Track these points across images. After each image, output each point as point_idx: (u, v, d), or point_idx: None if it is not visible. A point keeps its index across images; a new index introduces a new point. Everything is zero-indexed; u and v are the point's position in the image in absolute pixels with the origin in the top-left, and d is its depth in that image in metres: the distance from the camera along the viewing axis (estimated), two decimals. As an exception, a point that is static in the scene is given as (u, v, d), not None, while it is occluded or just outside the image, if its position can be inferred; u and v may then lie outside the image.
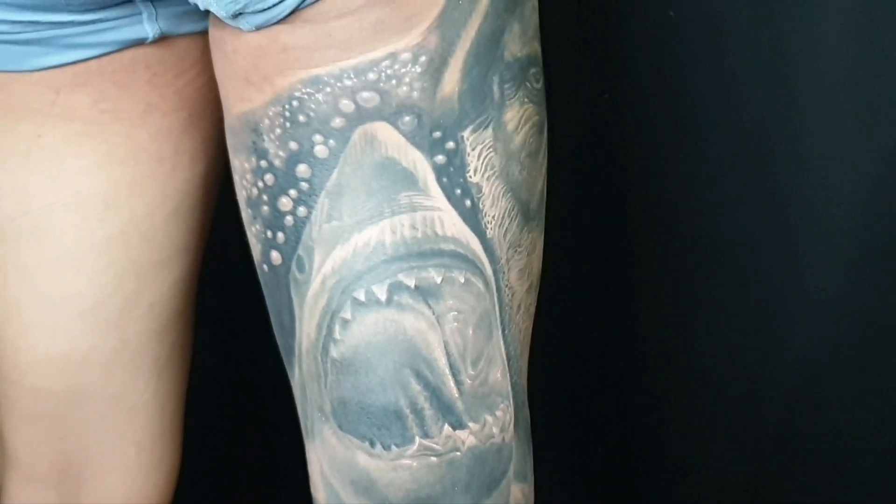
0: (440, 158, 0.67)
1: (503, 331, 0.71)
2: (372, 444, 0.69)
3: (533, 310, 0.75)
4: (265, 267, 0.71)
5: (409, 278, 0.67)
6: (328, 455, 0.71)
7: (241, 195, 0.71)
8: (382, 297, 0.67)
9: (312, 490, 0.75)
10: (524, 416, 0.74)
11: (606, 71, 1.11)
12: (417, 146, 0.66)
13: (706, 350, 1.18)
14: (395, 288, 0.67)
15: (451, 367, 0.69)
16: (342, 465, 0.71)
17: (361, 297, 0.67)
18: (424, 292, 0.68)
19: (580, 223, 1.16)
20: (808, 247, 1.12)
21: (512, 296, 0.71)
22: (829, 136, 1.08)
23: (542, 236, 0.75)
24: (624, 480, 1.26)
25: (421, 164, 0.67)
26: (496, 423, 0.71)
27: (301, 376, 0.72)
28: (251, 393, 1.23)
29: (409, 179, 0.67)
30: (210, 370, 1.10)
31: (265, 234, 0.70)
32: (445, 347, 0.68)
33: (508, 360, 0.72)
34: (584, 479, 1.28)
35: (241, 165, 0.70)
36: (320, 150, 0.66)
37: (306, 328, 0.70)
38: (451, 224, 0.68)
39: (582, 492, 1.28)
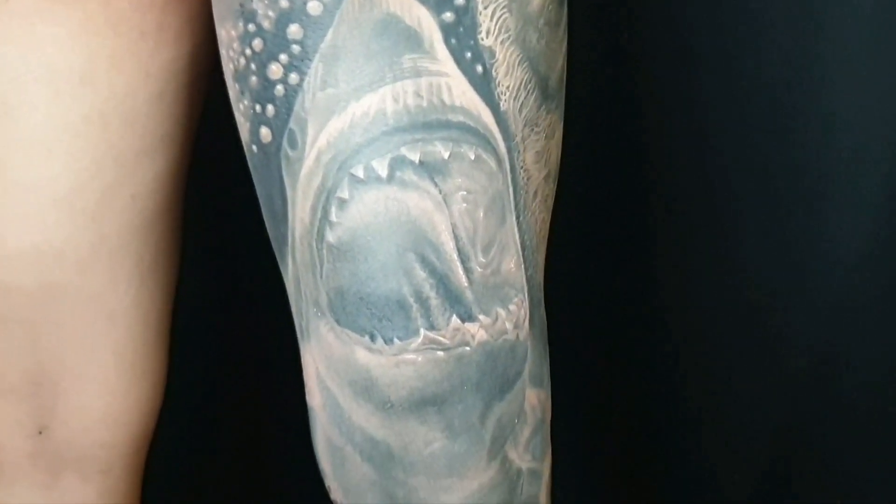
0: (448, 16, 0.60)
1: (517, 217, 0.64)
2: (372, 339, 0.63)
3: (551, 203, 0.69)
4: (254, 147, 0.64)
5: (412, 152, 0.60)
6: (324, 355, 0.65)
7: (228, 70, 0.64)
8: (383, 173, 0.61)
9: (308, 397, 0.68)
10: (540, 316, 0.68)
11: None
12: (422, 1, 0.59)
13: (725, 315, 1.13)
14: (398, 163, 0.61)
15: (460, 252, 0.62)
16: (340, 365, 0.64)
17: (360, 173, 0.61)
18: (430, 168, 0.61)
19: (596, 181, 1.12)
20: (833, 209, 1.07)
21: (528, 179, 0.65)
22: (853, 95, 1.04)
23: (562, 124, 0.69)
24: (639, 444, 1.22)
25: (427, 22, 0.60)
26: (509, 317, 0.64)
27: (295, 268, 0.65)
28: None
29: (413, 40, 0.60)
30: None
31: (254, 108, 0.63)
32: (453, 231, 0.62)
33: (523, 250, 0.65)
34: (599, 440, 1.23)
35: (227, 35, 0.63)
36: (313, 7, 0.60)
37: (299, 212, 0.63)
38: (461, 92, 0.61)
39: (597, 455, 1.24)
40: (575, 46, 0.71)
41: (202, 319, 1.06)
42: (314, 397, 0.67)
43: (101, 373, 0.78)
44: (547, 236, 0.69)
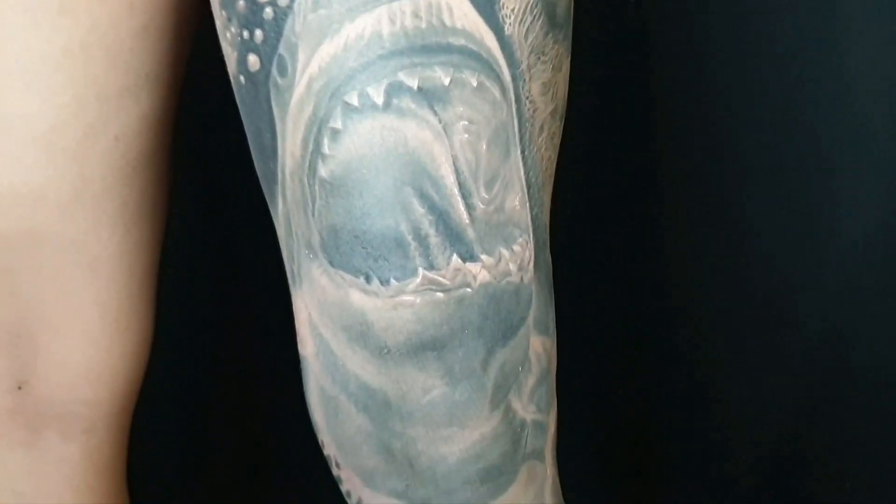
0: None
1: (522, 151, 0.61)
2: (368, 280, 0.59)
3: (557, 141, 0.65)
4: (241, 78, 0.61)
5: (410, 78, 0.57)
6: (317, 299, 0.61)
7: None
8: (379, 100, 0.57)
9: (300, 347, 0.64)
10: (545, 260, 0.64)
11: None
12: None
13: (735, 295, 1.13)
14: (395, 89, 0.57)
15: (461, 186, 0.58)
16: (333, 309, 0.60)
17: (354, 100, 0.57)
18: (429, 95, 0.57)
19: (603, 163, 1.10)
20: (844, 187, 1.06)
21: (534, 112, 0.61)
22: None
23: (569, 59, 0.65)
24: (644, 423, 1.21)
25: None
26: (513, 258, 0.60)
27: (285, 208, 0.61)
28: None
29: None
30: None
31: (241, 35, 0.59)
32: (454, 163, 0.58)
33: (528, 187, 0.61)
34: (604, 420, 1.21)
35: None
36: None
37: (290, 146, 0.59)
38: (462, 13, 0.57)
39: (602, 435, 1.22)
40: (581, 43, 0.68)
41: (192, 275, 1.02)
42: (306, 346, 0.63)
43: (83, 325, 0.74)
44: (553, 177, 0.65)
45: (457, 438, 0.61)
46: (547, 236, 0.65)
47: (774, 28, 1.02)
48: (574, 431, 0.76)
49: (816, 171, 1.06)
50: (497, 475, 0.62)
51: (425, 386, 0.60)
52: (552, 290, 0.65)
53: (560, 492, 0.65)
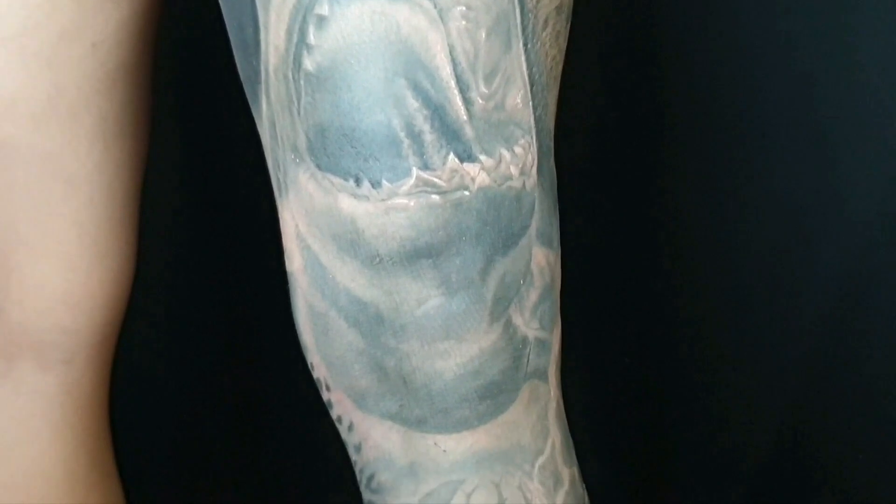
0: None
1: (525, 45, 0.56)
2: (358, 182, 0.55)
3: (563, 43, 0.61)
4: None
5: None
6: (304, 208, 0.57)
7: None
8: None
9: (287, 263, 0.60)
10: (549, 168, 0.60)
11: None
12: None
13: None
14: None
15: (458, 79, 0.54)
16: (321, 218, 0.56)
17: None
18: None
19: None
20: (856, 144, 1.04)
21: (537, 3, 0.57)
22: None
23: None
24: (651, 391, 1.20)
25: None
26: (514, 161, 0.56)
27: (269, 109, 0.57)
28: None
29: None
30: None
31: None
32: (450, 53, 0.54)
33: (531, 85, 0.57)
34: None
35: None
36: None
37: (273, 38, 0.55)
38: None
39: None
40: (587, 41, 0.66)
41: (177, 205, 0.98)
42: (293, 260, 0.59)
43: (60, 246, 0.70)
44: (559, 81, 0.61)
45: (454, 353, 0.57)
46: (552, 143, 0.60)
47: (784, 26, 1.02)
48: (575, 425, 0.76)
49: (828, 128, 1.03)
50: (497, 393, 0.58)
51: (420, 297, 0.56)
52: (556, 202, 0.61)
53: (564, 417, 0.61)
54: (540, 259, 0.59)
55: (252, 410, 1.19)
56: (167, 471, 1.19)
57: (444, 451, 0.58)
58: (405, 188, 0.54)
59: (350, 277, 0.57)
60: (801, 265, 1.10)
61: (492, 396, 0.57)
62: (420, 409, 0.58)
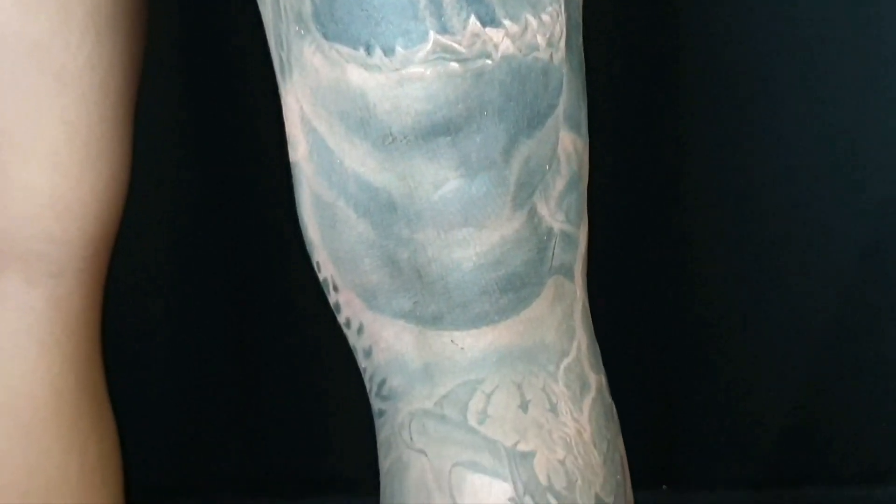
0: None
1: None
2: (368, 50, 0.50)
3: None
4: None
5: None
6: (309, 87, 0.52)
7: None
8: None
9: (290, 152, 0.56)
10: (578, 46, 0.55)
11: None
12: None
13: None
14: None
15: None
16: (328, 95, 0.52)
17: None
18: None
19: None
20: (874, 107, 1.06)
21: None
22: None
23: None
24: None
25: None
26: (542, 30, 0.51)
27: None
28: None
29: None
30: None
31: None
32: None
33: None
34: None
35: None
36: None
37: None
38: None
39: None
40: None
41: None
42: (297, 147, 0.55)
43: (49, 146, 0.65)
44: None
45: (473, 241, 0.52)
46: (580, 19, 0.56)
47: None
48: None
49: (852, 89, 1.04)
50: (519, 286, 0.53)
51: (436, 179, 0.51)
52: (585, 86, 0.56)
53: (591, 322, 0.56)
54: (567, 144, 0.54)
55: (251, 369, 1.17)
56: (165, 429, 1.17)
57: (462, 348, 0.53)
58: (421, 55, 0.50)
59: (360, 161, 0.52)
60: (818, 241, 1.10)
61: (514, 289, 0.53)
62: (436, 305, 0.53)
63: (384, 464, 0.55)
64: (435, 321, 0.53)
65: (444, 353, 0.53)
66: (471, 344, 0.53)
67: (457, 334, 0.53)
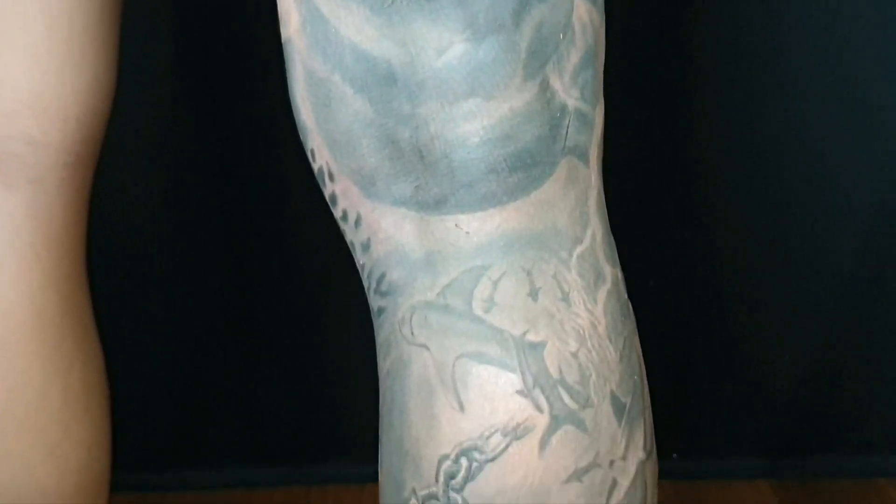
0: None
1: None
2: None
3: None
4: None
5: None
6: None
7: None
8: None
9: (282, 29, 0.52)
10: None
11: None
12: None
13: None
14: None
15: None
16: None
17: None
18: None
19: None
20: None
21: None
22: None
23: None
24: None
25: None
26: None
27: None
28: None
29: None
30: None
31: None
32: None
33: None
34: None
35: None
36: None
37: None
38: None
39: None
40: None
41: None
42: (290, 21, 0.50)
43: (27, 38, 0.61)
44: None
45: (480, 113, 0.48)
46: None
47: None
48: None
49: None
50: (530, 164, 0.49)
51: (440, 44, 0.47)
52: None
53: (606, 212, 0.52)
54: (582, 13, 0.50)
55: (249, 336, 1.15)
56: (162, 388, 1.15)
57: (467, 233, 0.49)
58: None
59: (357, 28, 0.48)
60: (834, 200, 1.09)
61: (524, 168, 0.48)
62: (439, 188, 0.49)
63: (383, 367, 0.51)
64: (438, 205, 0.49)
65: (448, 239, 0.49)
66: (477, 227, 0.49)
67: (462, 217, 0.49)
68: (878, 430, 1.18)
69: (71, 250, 0.67)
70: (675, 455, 1.16)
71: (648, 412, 0.51)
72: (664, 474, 0.54)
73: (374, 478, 0.53)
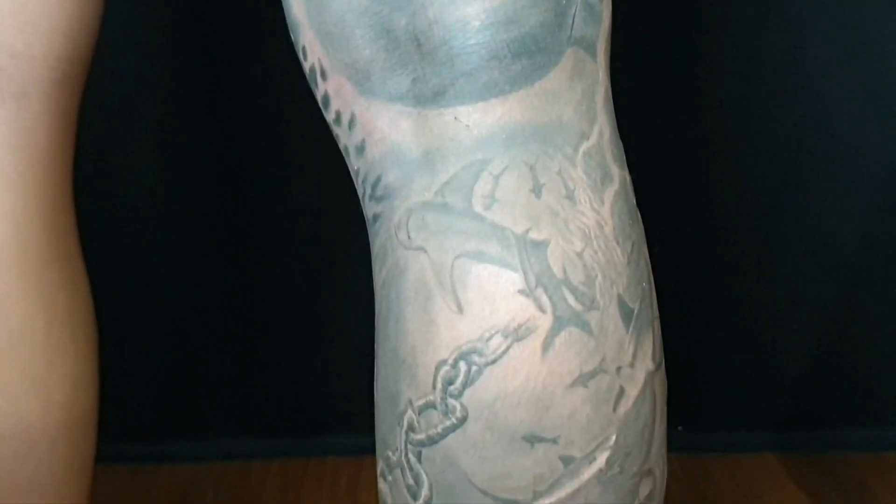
0: None
1: None
2: None
3: None
4: None
5: None
6: None
7: None
8: None
9: None
10: None
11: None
12: None
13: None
14: None
15: None
16: None
17: None
18: None
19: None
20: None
21: None
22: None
23: None
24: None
25: None
26: None
27: None
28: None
29: None
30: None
31: None
32: None
33: None
34: None
35: None
36: None
37: None
38: None
39: None
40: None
41: None
42: None
43: None
44: None
45: None
46: None
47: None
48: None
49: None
50: (535, 50, 0.46)
51: None
52: None
53: (613, 111, 0.49)
54: None
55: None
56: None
57: (467, 125, 0.46)
58: None
59: None
60: (845, 170, 1.08)
61: (528, 54, 0.46)
62: (437, 78, 0.46)
63: (378, 278, 0.49)
64: (436, 97, 0.46)
65: (447, 133, 0.46)
66: (477, 120, 0.46)
67: (461, 109, 0.46)
68: (886, 403, 1.16)
69: (57, 173, 0.65)
70: (680, 428, 1.14)
71: (657, 324, 0.48)
72: (669, 448, 0.52)
73: (371, 450, 0.51)
